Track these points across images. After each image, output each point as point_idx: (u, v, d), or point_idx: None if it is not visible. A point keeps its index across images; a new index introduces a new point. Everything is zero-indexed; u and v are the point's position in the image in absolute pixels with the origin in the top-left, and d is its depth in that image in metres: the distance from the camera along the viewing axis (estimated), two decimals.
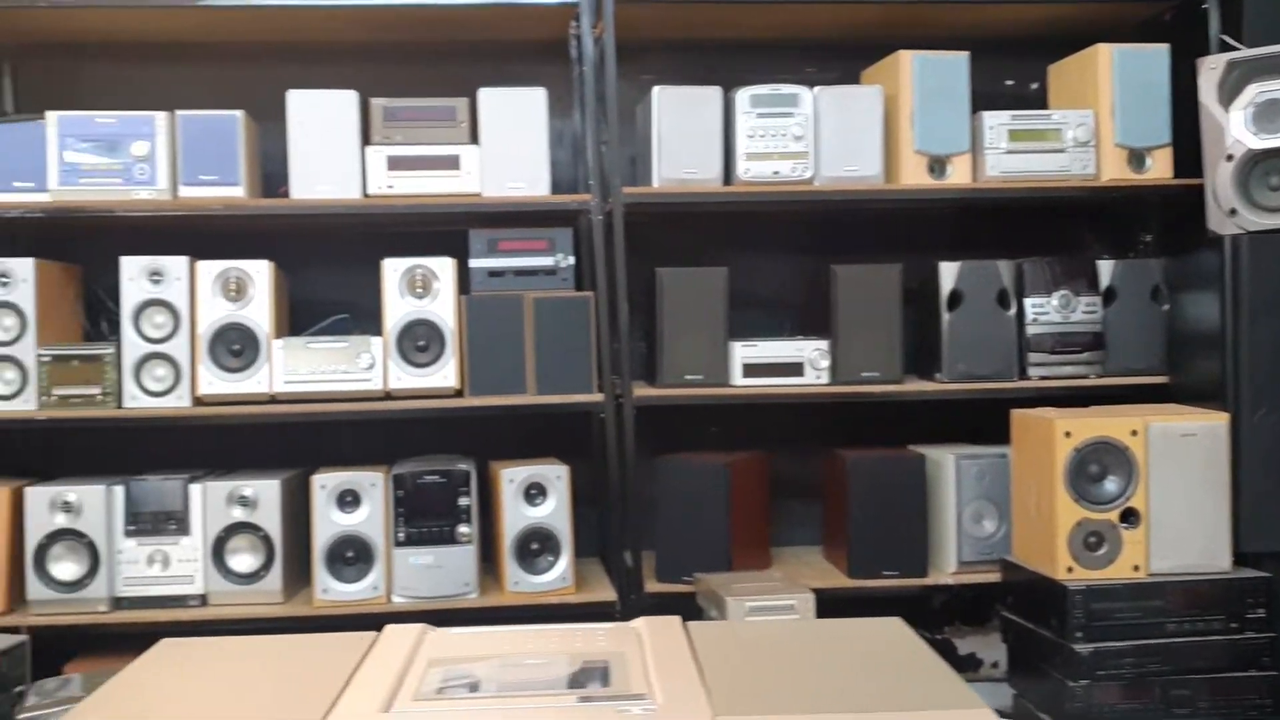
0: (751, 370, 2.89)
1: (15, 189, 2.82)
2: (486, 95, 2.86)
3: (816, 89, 2.88)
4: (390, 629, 1.84)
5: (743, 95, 2.86)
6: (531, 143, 2.86)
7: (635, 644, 1.71)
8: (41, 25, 2.95)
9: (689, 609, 2.60)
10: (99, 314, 3.08)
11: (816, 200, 2.95)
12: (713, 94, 2.87)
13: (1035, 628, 2.61)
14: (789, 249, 3.28)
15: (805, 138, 2.86)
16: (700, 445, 3.09)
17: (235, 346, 2.83)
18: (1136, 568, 2.53)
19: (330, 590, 2.79)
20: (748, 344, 2.89)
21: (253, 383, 2.83)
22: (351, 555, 2.81)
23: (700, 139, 2.85)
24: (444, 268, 2.85)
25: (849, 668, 1.63)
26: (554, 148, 2.93)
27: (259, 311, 2.83)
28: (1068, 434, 2.53)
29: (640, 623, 1.85)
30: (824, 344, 2.90)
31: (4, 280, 2.81)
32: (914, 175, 2.89)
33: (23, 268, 2.81)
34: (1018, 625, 2.70)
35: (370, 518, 2.80)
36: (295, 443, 3.09)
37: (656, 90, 2.85)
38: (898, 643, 1.74)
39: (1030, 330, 2.90)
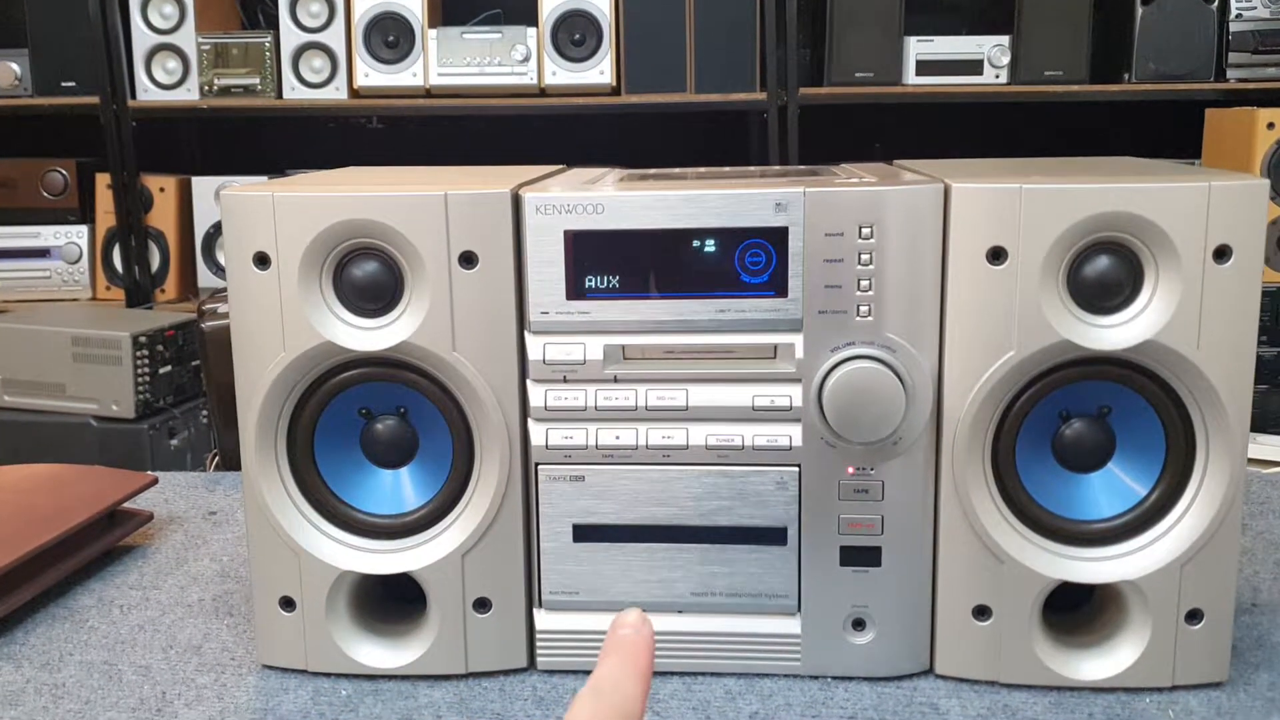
0: (926, 68, 2.72)
1: None
2: None
3: None
4: None
5: None
6: None
7: None
8: None
9: None
10: (255, 9, 3.05)
11: None
12: None
13: None
14: None
15: None
16: (866, 157, 2.95)
17: (390, 38, 2.78)
18: None
19: None
20: (923, 39, 2.72)
21: (407, 75, 2.78)
22: None
23: None
24: None
25: None
26: None
27: None
28: (1270, 125, 2.35)
29: None
30: (1005, 40, 2.71)
31: None
32: None
33: None
34: None
35: None
36: (448, 142, 3.06)
37: None
38: None
39: (1233, 27, 2.67)
